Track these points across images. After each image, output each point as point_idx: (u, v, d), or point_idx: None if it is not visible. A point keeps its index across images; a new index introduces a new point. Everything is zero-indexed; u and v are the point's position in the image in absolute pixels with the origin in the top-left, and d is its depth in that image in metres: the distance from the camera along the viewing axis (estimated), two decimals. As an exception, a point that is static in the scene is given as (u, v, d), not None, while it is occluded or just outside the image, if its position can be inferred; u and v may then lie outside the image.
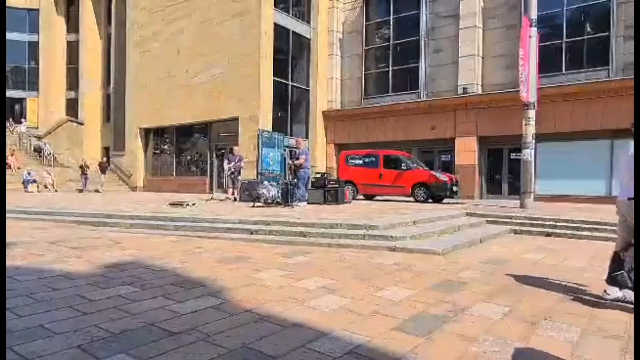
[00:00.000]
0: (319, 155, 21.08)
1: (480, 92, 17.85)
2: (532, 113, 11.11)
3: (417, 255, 5.62)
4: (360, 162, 16.04)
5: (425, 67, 19.25)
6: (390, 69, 20.49)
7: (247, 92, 18.40)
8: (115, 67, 26.80)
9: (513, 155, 17.00)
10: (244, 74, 18.54)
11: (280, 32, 19.40)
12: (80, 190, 21.44)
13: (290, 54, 20.39)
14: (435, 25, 19.12)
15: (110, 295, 3.52)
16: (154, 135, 23.57)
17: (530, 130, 11.06)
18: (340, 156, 17.28)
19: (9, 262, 4.75)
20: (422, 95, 19.29)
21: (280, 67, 19.42)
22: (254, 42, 18.31)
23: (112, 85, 27.60)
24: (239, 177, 14.00)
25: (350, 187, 14.78)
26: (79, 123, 29.46)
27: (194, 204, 10.76)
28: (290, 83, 20.31)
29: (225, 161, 14.61)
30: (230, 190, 14.29)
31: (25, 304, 3.23)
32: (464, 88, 17.99)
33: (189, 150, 22.21)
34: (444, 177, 14.77)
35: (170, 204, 10.81)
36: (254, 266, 4.77)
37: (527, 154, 11.05)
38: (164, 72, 21.78)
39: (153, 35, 22.45)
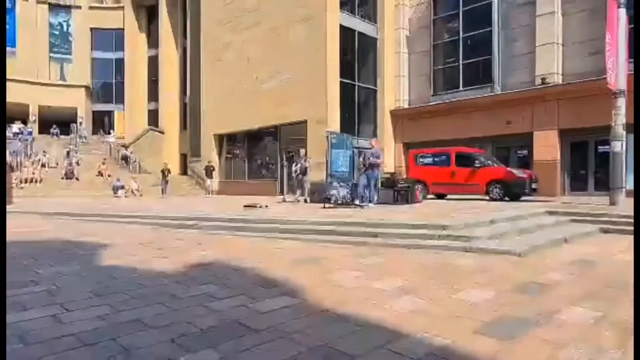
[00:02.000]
0: (388, 154, 20.85)
1: (560, 82, 16.71)
2: (621, 101, 10.22)
3: (495, 256, 5.39)
4: (431, 160, 15.65)
5: (498, 59, 18.37)
6: (461, 63, 19.78)
7: (314, 95, 18.67)
8: (191, 78, 28.38)
9: (600, 148, 15.73)
10: (310, 77, 18.84)
11: (346, 33, 19.48)
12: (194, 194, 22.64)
13: (357, 54, 20.40)
14: (509, 15, 18.18)
15: (196, 293, 3.74)
16: (227, 141, 24.66)
17: (620, 120, 10.17)
18: (410, 155, 16.99)
19: (108, 262, 5.21)
20: (495, 89, 18.43)
21: (346, 68, 19.50)
22: (320, 45, 18.55)
23: (188, 95, 29.26)
24: (306, 179, 14.26)
25: (420, 186, 14.49)
26: (159, 132, 31.58)
27: (266, 206, 11.11)
28: (357, 83, 20.32)
29: (293, 164, 14.97)
30: (299, 192, 14.58)
31: (122, 299, 3.53)
32: (542, 79, 16.94)
33: (260, 154, 22.96)
34: (521, 173, 14.01)
35: (245, 207, 11.25)
36: (328, 267, 4.84)
37: (617, 146, 10.17)
38: (235, 80, 22.72)
39: (224, 46, 23.50)
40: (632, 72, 13.10)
